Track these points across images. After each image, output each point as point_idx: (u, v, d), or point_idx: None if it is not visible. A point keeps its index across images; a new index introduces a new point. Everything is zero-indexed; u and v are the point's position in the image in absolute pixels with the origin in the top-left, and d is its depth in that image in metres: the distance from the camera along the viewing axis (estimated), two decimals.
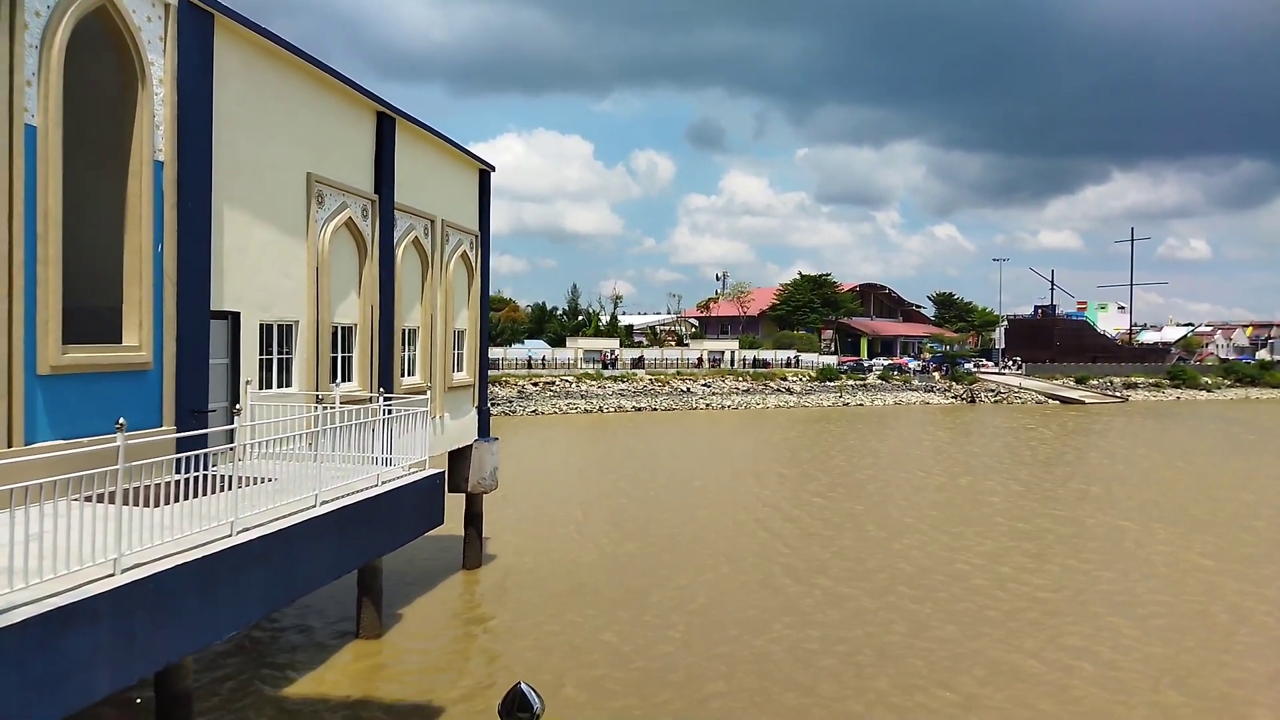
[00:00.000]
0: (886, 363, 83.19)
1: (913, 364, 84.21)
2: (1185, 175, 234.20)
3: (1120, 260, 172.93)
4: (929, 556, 20.19)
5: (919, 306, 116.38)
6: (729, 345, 79.18)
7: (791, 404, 65.22)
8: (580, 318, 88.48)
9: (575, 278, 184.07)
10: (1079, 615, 16.01)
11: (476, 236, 19.60)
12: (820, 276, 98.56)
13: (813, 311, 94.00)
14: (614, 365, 68.42)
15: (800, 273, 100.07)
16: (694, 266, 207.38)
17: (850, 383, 71.55)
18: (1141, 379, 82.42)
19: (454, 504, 17.08)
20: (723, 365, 73.26)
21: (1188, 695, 12.47)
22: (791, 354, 78.33)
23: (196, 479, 8.52)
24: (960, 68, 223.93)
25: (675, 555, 19.97)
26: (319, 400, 13.06)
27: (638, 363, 69.87)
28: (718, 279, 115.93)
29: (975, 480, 31.63)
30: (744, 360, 74.77)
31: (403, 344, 16.41)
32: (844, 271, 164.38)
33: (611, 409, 58.92)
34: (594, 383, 62.60)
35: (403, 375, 16.40)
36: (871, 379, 73.98)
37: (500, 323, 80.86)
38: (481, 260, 19.82)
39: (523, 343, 73.91)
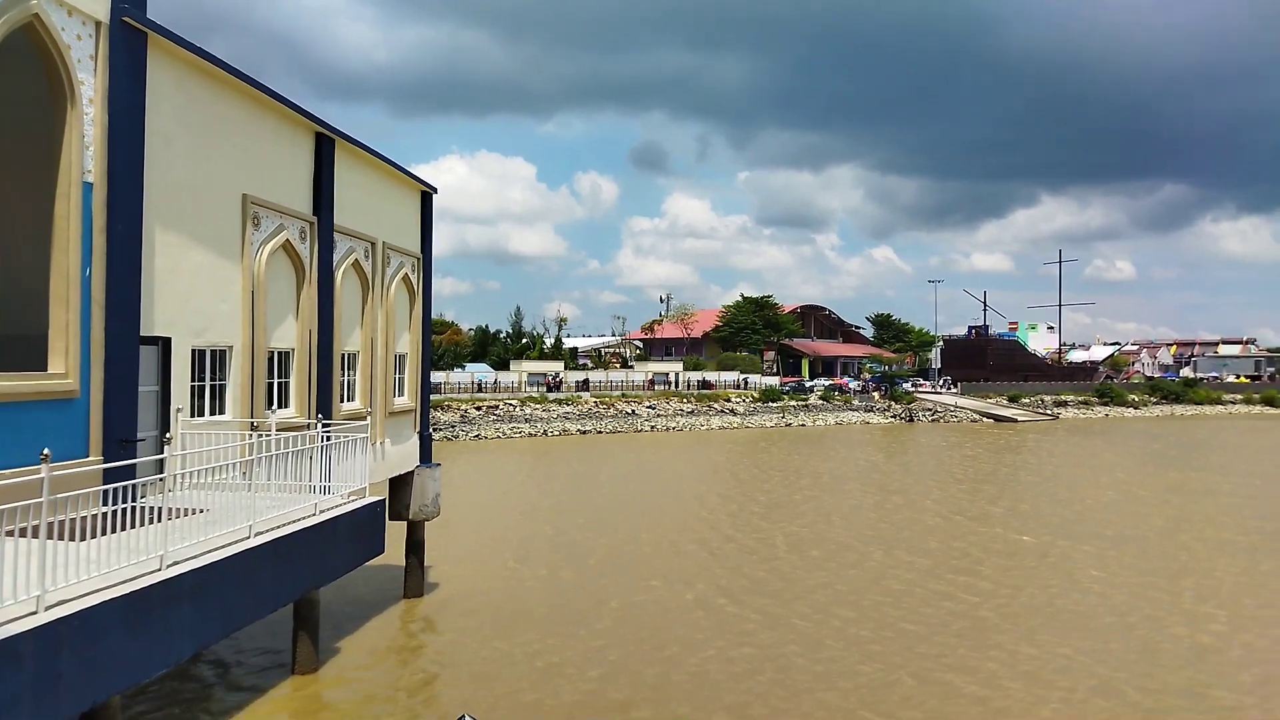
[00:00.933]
0: (827, 383, 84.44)
1: (853, 384, 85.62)
2: (1110, 199, 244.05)
3: (1049, 281, 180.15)
4: (862, 574, 20.47)
5: (858, 327, 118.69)
6: (674, 367, 79.59)
7: (735, 425, 65.74)
8: (524, 340, 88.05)
9: (519, 300, 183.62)
10: (1003, 630, 16.32)
11: (418, 259, 19.44)
12: (762, 298, 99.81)
13: (755, 333, 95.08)
14: (558, 388, 68.17)
15: (743, 294, 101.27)
16: (638, 288, 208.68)
17: (792, 403, 72.41)
18: (1071, 397, 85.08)
19: (395, 532, 16.80)
20: (669, 387, 73.56)
21: (1109, 700, 12.83)
22: (738, 375, 79.06)
23: (125, 511, 8.26)
24: (894, 94, 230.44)
25: (614, 578, 19.93)
26: (254, 427, 12.75)
27: (583, 385, 69.75)
28: (661, 300, 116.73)
29: (914, 499, 32.21)
30: (688, 382, 75.25)
31: (342, 369, 16.15)
32: (785, 293, 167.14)
33: (556, 432, 58.63)
34: (538, 406, 62.27)
35: (342, 401, 16.13)
36: (813, 399, 74.99)
37: (442, 346, 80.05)
38: (423, 283, 19.66)
39: (464, 367, 73.18)
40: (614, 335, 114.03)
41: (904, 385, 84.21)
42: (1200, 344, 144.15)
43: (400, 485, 18.70)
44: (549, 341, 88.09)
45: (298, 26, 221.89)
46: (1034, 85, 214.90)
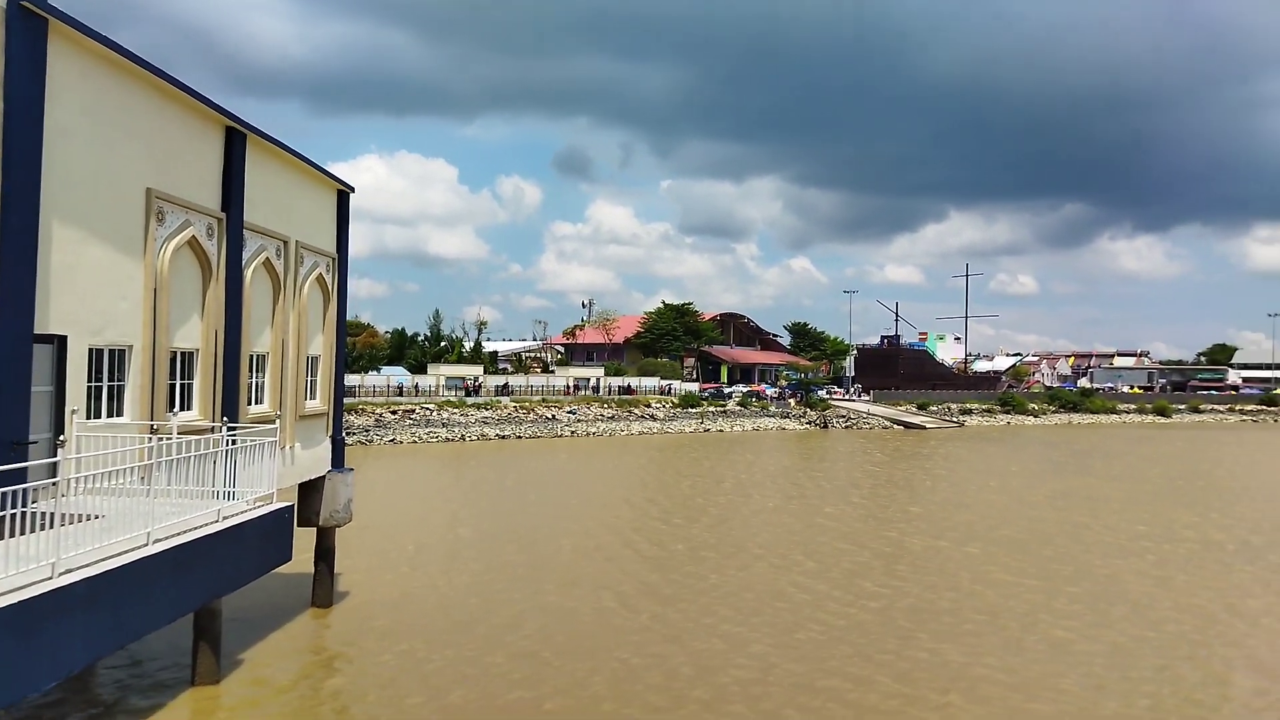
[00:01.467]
0: (745, 389, 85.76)
1: (770, 391, 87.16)
2: (1015, 216, 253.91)
3: (957, 294, 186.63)
4: (751, 578, 20.91)
5: (776, 336, 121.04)
6: (595, 372, 79.63)
7: (655, 430, 66.17)
8: (443, 344, 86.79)
9: (438, 303, 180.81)
10: (886, 630, 16.89)
11: (333, 259, 19.06)
12: (683, 306, 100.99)
13: (676, 339, 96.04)
14: (477, 392, 67.43)
15: (664, 302, 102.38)
16: (561, 294, 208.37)
17: (711, 409, 73.33)
18: (976, 405, 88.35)
19: (305, 538, 16.41)
20: (591, 392, 73.51)
21: (974, 700, 13.44)
22: (658, 381, 79.57)
23: (14, 517, 7.92)
24: (815, 110, 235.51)
25: (517, 585, 19.85)
26: (154, 430, 12.32)
27: (503, 390, 69.16)
28: (584, 306, 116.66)
29: (813, 504, 32.98)
30: (610, 387, 75.43)
31: (250, 370, 15.71)
32: (706, 301, 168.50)
33: (474, 437, 58.00)
34: (456, 410, 61.49)
35: (250, 403, 15.70)
36: (731, 405, 76.08)
37: (358, 348, 78.31)
38: (338, 283, 19.28)
39: (380, 370, 71.66)
40: (535, 340, 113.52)
41: (819, 392, 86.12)
42: (1097, 356, 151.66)
43: (310, 491, 18.27)
44: (468, 345, 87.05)
45: (211, 19, 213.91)
46: (947, 106, 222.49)
